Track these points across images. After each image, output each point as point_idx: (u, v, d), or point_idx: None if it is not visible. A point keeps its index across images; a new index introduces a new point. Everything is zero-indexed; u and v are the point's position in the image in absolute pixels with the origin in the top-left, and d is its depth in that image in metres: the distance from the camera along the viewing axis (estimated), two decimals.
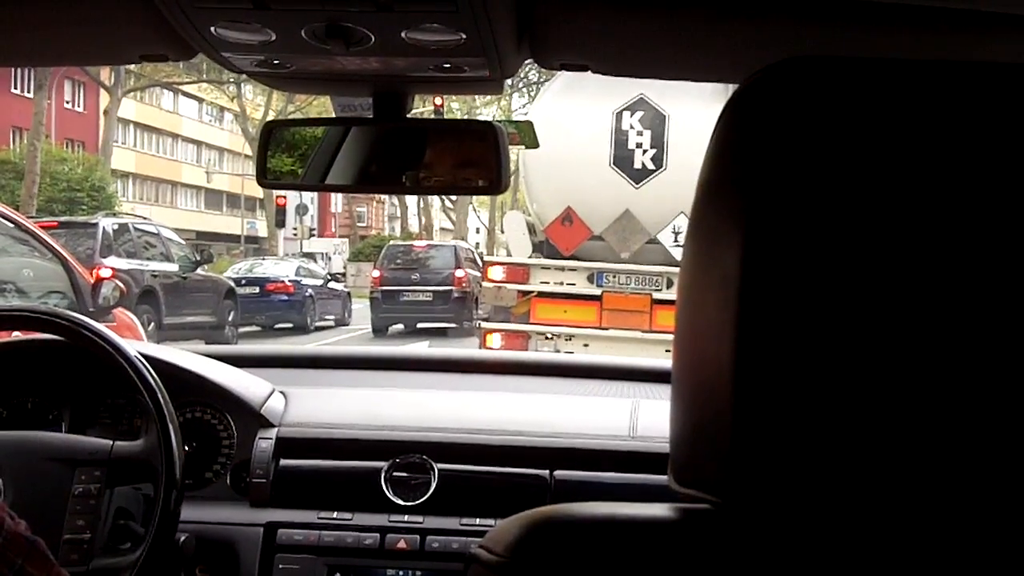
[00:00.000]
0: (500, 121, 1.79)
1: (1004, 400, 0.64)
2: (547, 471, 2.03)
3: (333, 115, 1.73)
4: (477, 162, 1.61)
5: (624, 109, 9.81)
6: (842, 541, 0.69)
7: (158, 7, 1.20)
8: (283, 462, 2.08)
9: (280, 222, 32.21)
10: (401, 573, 1.98)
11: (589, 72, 1.52)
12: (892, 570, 0.69)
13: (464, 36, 1.26)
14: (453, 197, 34.66)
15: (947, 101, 0.67)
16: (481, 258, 18.90)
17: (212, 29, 1.26)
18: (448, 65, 1.41)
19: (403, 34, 1.26)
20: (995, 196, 0.64)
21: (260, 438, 2.09)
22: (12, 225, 6.45)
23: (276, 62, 1.41)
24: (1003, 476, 0.65)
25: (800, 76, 0.68)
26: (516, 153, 10.36)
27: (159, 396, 1.82)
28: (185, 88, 41.98)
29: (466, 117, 26.90)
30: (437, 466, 2.04)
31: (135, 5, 1.24)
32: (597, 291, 9.97)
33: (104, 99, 31.95)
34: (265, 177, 1.67)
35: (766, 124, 0.67)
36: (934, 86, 0.67)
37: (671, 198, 9.32)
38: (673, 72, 1.65)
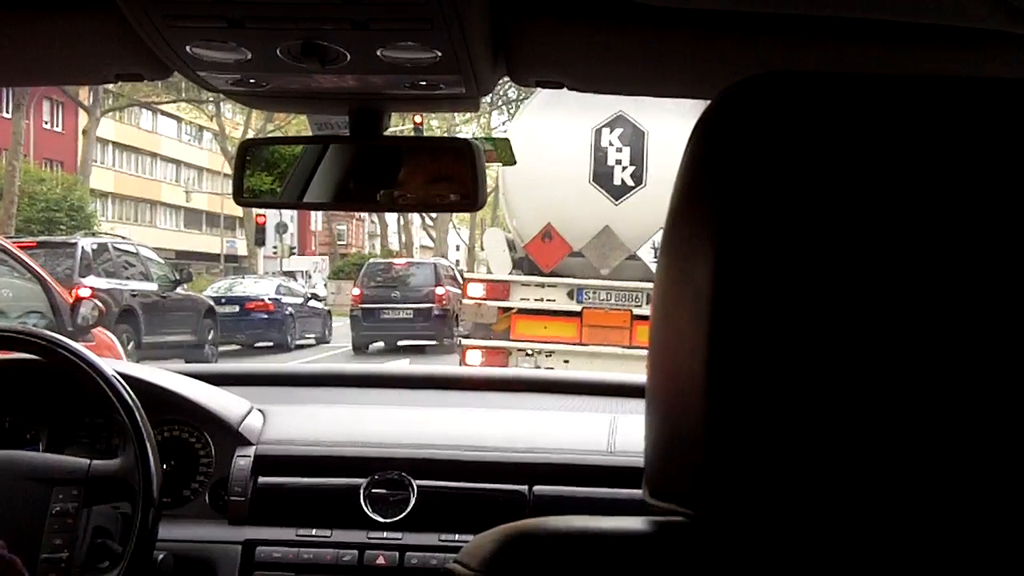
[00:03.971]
0: (477, 138, 1.80)
1: (976, 409, 0.65)
2: (526, 487, 2.03)
3: (310, 133, 1.73)
4: (453, 179, 1.62)
5: (604, 126, 9.82)
6: (816, 553, 0.69)
7: (133, 26, 1.21)
8: (261, 480, 2.07)
9: (260, 241, 32.14)
10: None
11: (565, 89, 1.53)
12: None
13: (440, 54, 1.27)
14: (433, 214, 34.66)
15: (919, 115, 0.67)
16: (461, 275, 18.89)
17: (188, 48, 1.26)
18: (424, 83, 1.41)
19: (378, 52, 1.26)
20: (967, 209, 0.65)
21: (238, 456, 2.09)
22: None
23: (252, 81, 1.42)
24: (978, 485, 0.66)
25: (771, 91, 0.68)
26: (495, 170, 10.37)
27: (136, 414, 1.82)
28: (164, 108, 41.84)
29: (444, 134, 26.90)
30: (416, 483, 2.04)
31: (110, 24, 1.24)
32: (577, 307, 9.96)
33: (83, 119, 31.79)
34: (242, 196, 1.67)
35: (738, 138, 0.68)
36: (906, 101, 0.68)
37: (651, 214, 9.33)
38: (648, 88, 1.66)
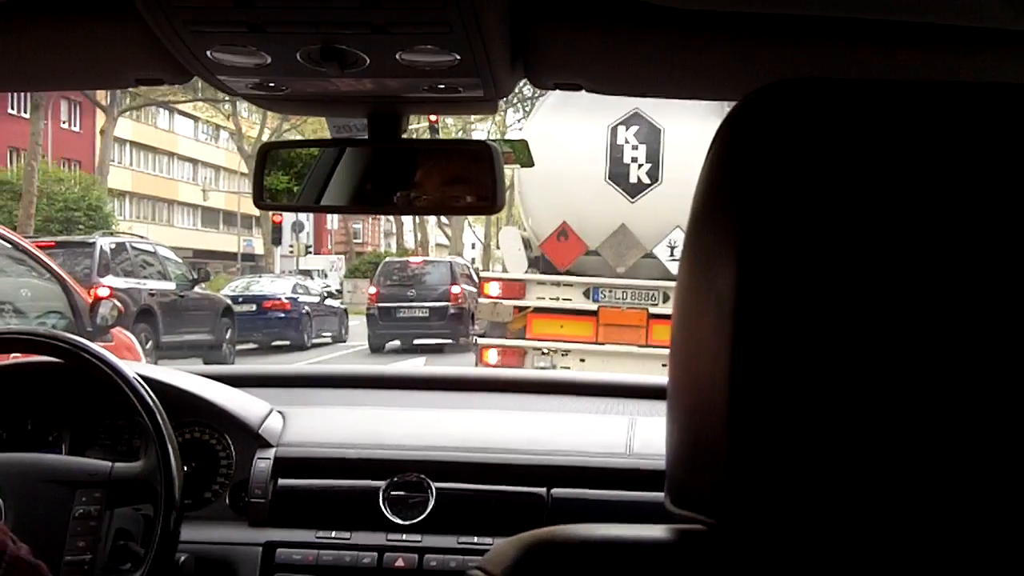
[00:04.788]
0: (495, 140, 1.79)
1: (1010, 415, 0.65)
2: (544, 489, 2.03)
3: (328, 135, 1.73)
4: (471, 181, 1.62)
5: (619, 124, 9.80)
6: (838, 563, 0.69)
7: (154, 31, 1.21)
8: (281, 481, 2.08)
9: (276, 239, 32.19)
10: None
11: (583, 91, 1.53)
12: None
13: (458, 57, 1.27)
14: None
15: (943, 122, 0.67)
16: (477, 274, 18.89)
17: (208, 53, 1.26)
18: (442, 86, 1.41)
19: (397, 56, 1.26)
20: (991, 216, 0.65)
21: (258, 458, 2.10)
22: (9, 245, 6.46)
23: (272, 84, 1.42)
24: (1007, 495, 0.65)
25: (794, 97, 0.68)
26: (511, 169, 10.36)
27: (158, 417, 1.82)
28: (181, 107, 41.98)
29: (460, 133, 26.94)
30: (435, 485, 2.04)
31: (131, 29, 1.25)
32: (593, 306, 9.95)
33: (100, 119, 31.95)
34: (262, 199, 1.68)
35: (760, 146, 0.67)
36: (930, 107, 0.67)
37: (667, 212, 9.32)
38: (667, 90, 1.66)
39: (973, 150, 0.66)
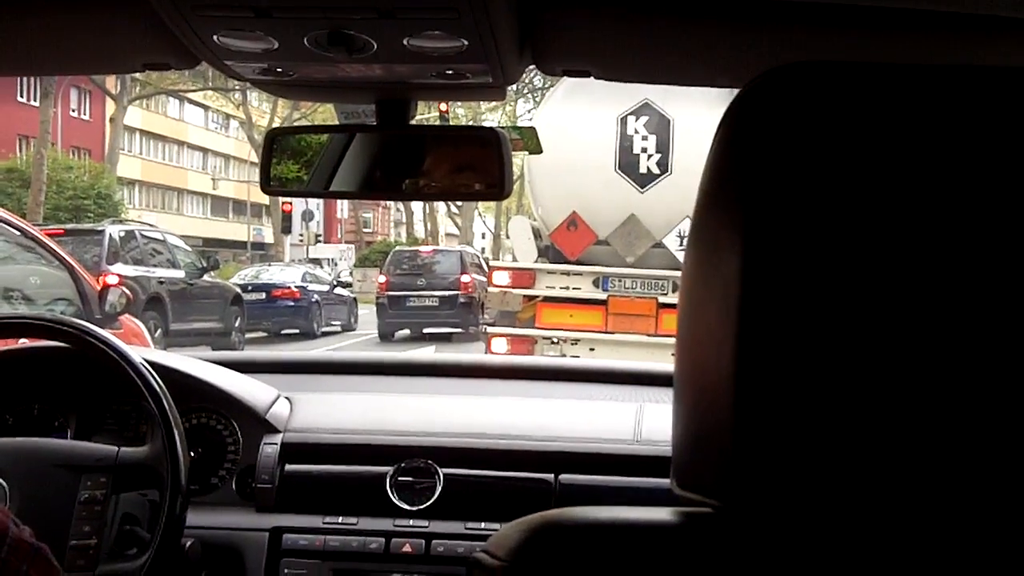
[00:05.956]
0: (503, 127, 1.79)
1: (1006, 405, 0.64)
2: (552, 475, 2.03)
3: (336, 122, 1.73)
4: (480, 168, 1.62)
5: (629, 114, 9.79)
6: (842, 545, 0.69)
7: (161, 16, 1.21)
8: (288, 467, 2.08)
9: (286, 228, 32.28)
10: None
11: (591, 78, 1.53)
12: (892, 573, 0.69)
13: (466, 43, 1.27)
14: (459, 202, 34.68)
15: (947, 106, 0.66)
16: (487, 263, 18.89)
17: (215, 37, 1.26)
18: (450, 72, 1.41)
19: (405, 41, 1.26)
20: (997, 201, 0.64)
21: (265, 443, 2.10)
22: (19, 233, 6.46)
23: (279, 70, 1.42)
24: (1005, 479, 0.65)
25: (799, 82, 0.68)
26: (521, 158, 10.36)
27: (164, 402, 1.82)
28: (191, 95, 42.03)
29: (470, 122, 26.93)
30: (442, 471, 2.04)
31: (138, 14, 1.25)
32: (603, 295, 9.94)
33: (110, 107, 32.02)
34: (269, 185, 1.68)
35: (765, 131, 0.67)
36: (934, 91, 0.67)
37: (676, 202, 9.30)
38: (675, 77, 1.66)
39: (979, 133, 0.66)
